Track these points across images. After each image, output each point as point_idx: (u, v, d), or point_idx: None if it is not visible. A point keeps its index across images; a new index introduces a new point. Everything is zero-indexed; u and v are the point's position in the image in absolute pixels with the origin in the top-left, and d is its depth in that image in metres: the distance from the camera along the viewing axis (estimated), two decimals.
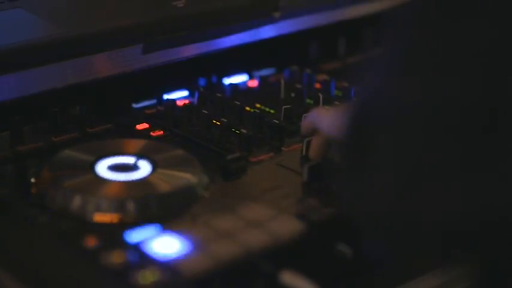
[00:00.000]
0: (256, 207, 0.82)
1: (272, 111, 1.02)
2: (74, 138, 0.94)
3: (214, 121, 0.96)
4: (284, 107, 0.99)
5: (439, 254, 0.68)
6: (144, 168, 0.85)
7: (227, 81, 1.09)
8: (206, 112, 0.97)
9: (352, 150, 0.67)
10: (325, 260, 0.78)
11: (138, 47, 1.01)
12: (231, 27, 1.08)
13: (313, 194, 0.85)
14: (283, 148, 0.94)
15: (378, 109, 0.65)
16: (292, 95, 1.05)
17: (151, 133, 0.97)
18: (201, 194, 0.84)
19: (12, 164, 0.90)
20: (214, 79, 1.09)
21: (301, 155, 0.91)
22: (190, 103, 1.02)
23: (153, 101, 1.04)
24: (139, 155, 0.86)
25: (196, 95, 1.04)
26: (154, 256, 0.74)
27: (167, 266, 0.72)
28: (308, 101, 1.04)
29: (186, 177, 0.84)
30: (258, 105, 1.03)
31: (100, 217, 0.79)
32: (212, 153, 0.93)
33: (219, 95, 1.03)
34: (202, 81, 1.08)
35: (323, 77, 1.11)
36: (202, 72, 1.08)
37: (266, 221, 0.79)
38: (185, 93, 1.05)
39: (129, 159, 0.86)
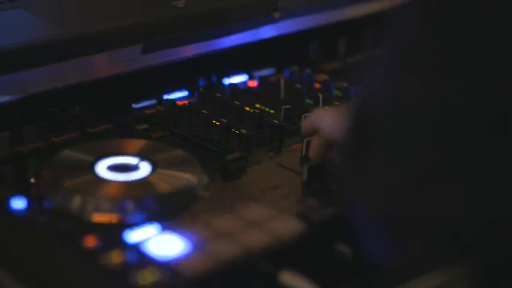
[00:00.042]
0: (256, 207, 0.82)
1: (272, 111, 1.02)
2: (74, 138, 0.94)
3: (214, 121, 0.96)
4: (284, 107, 0.99)
5: (441, 254, 0.68)
6: (144, 169, 0.85)
7: (227, 81, 1.09)
8: (206, 112, 0.97)
9: (353, 151, 0.67)
10: (325, 260, 0.77)
11: (138, 47, 1.01)
12: (231, 27, 1.08)
13: (313, 194, 0.85)
14: (283, 148, 0.94)
15: (378, 109, 0.65)
16: (292, 95, 1.05)
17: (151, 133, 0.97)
18: (201, 194, 0.84)
19: (12, 164, 0.89)
20: (214, 79, 1.09)
21: (301, 155, 0.90)
22: (190, 103, 1.02)
23: (153, 101, 1.04)
24: (140, 155, 0.86)
25: (196, 95, 1.04)
26: (154, 256, 0.74)
27: (167, 266, 0.72)
28: (308, 101, 1.04)
29: (186, 177, 0.84)
30: (257, 105, 1.03)
31: (100, 217, 0.79)
32: (212, 153, 0.93)
33: (218, 95, 1.03)
34: (202, 81, 1.08)
35: (323, 77, 1.11)
36: (202, 72, 1.08)
37: (266, 221, 0.79)
38: (185, 93, 1.05)
39: (129, 160, 0.86)
